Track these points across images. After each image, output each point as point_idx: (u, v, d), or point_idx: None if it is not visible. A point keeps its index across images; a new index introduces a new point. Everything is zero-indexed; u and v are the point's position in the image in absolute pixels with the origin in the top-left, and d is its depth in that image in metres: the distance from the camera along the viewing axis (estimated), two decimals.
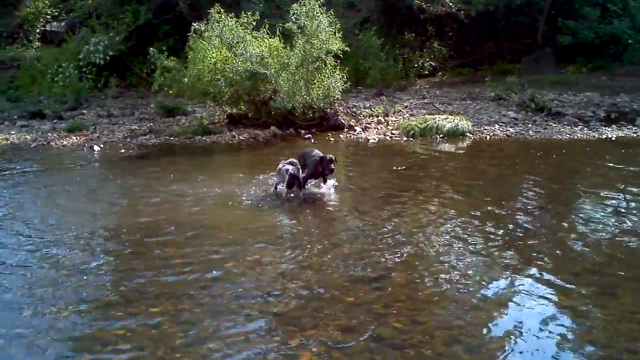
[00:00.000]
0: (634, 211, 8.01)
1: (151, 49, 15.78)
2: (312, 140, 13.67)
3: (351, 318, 5.11)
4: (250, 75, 13.83)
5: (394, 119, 15.45)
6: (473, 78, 21.11)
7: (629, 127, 13.98)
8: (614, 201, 8.42)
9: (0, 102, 19.82)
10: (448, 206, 8.46)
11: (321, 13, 13.83)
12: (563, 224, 7.69)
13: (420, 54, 22.00)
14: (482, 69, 21.85)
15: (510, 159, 11.80)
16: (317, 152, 9.17)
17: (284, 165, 8.81)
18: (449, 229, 7.38)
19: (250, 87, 14.11)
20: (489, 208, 8.22)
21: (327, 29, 13.77)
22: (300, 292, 5.69)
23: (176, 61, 15.30)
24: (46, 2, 24.70)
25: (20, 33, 24.77)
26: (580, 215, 8.01)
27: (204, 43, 14.28)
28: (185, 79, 14.45)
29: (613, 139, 13.02)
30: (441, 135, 13.65)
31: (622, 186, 9.30)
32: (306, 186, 9.11)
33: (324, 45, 13.74)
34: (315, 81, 14.12)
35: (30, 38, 24.25)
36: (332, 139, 13.86)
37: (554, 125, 14.39)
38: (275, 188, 9.03)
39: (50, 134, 15.44)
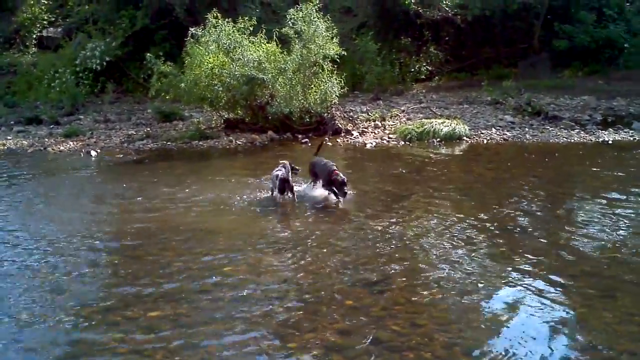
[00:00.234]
0: (631, 214, 8.01)
1: (148, 54, 15.80)
2: (309, 145, 13.67)
3: (350, 321, 5.10)
4: (247, 80, 13.85)
5: (391, 123, 15.48)
6: (470, 82, 21.15)
7: (625, 130, 14.02)
8: (611, 204, 8.41)
9: None
10: (446, 210, 8.46)
11: (318, 18, 13.86)
12: (561, 226, 7.69)
13: (416, 58, 22.03)
14: (478, 73, 21.89)
15: (507, 163, 11.82)
16: (328, 162, 9.02)
17: (275, 171, 8.82)
18: (447, 233, 7.36)
19: (248, 92, 14.12)
20: (487, 211, 8.21)
21: (324, 33, 13.81)
22: (299, 295, 5.68)
23: (173, 66, 15.31)
24: (43, 7, 24.73)
25: (17, 39, 24.78)
26: (578, 218, 8.02)
27: (201, 48, 14.30)
28: (182, 84, 14.45)
29: (610, 142, 13.06)
30: (438, 140, 13.66)
31: (620, 189, 9.31)
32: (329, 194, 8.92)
33: (321, 50, 13.77)
34: (312, 86, 14.16)
35: (27, 43, 24.27)
36: (330, 144, 13.85)
37: (550, 129, 14.42)
38: (272, 193, 9.02)
39: (47, 140, 15.44)
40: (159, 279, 6.12)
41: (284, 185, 8.62)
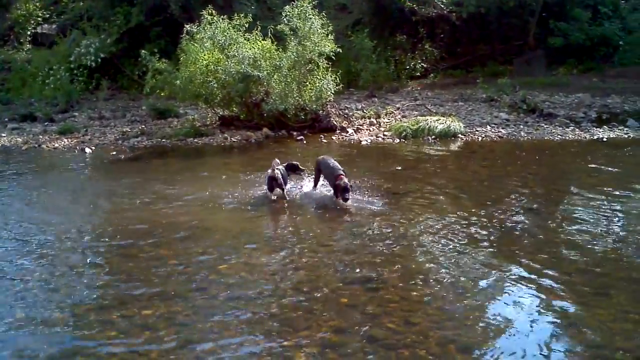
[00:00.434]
0: (625, 211, 8.04)
1: (143, 51, 15.71)
2: (305, 142, 13.66)
3: (345, 319, 5.10)
4: (242, 77, 13.81)
5: (386, 120, 15.46)
6: (465, 80, 21.15)
7: (620, 127, 14.04)
8: (606, 201, 8.42)
9: None
10: (441, 207, 8.47)
11: (313, 15, 13.84)
12: (555, 224, 7.71)
13: (412, 55, 22.02)
14: (473, 70, 21.89)
15: (502, 160, 11.82)
16: (336, 164, 8.89)
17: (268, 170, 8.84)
18: (442, 230, 7.36)
19: (243, 89, 14.08)
20: (482, 209, 8.22)
21: (319, 30, 13.79)
22: (294, 293, 5.67)
23: (168, 63, 15.25)
24: (37, 4, 24.60)
25: (11, 35, 24.67)
26: (573, 215, 8.02)
27: (196, 45, 14.26)
28: (177, 81, 14.40)
29: (604, 139, 13.08)
30: (433, 137, 13.66)
31: (614, 186, 9.32)
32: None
33: (316, 47, 13.75)
34: (308, 83, 14.14)
35: (21, 40, 24.13)
36: (325, 141, 13.85)
37: (545, 126, 14.44)
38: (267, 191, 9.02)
39: (41, 137, 15.38)
40: (153, 277, 6.11)
41: (272, 183, 8.69)
